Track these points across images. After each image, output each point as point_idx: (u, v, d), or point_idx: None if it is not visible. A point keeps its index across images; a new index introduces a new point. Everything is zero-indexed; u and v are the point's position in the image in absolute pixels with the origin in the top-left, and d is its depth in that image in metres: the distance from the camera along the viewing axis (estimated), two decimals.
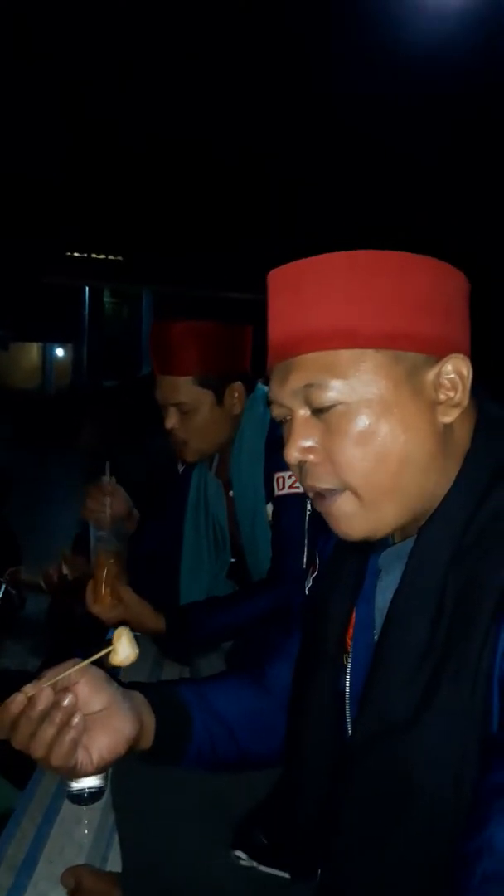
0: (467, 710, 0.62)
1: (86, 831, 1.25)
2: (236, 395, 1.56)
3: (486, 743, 0.61)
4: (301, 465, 0.73)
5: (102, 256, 14.02)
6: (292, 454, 0.72)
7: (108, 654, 0.81)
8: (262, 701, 0.92)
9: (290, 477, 1.53)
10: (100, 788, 1.30)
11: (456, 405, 0.71)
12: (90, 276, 14.58)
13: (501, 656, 0.61)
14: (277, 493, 1.53)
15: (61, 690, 0.74)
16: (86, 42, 7.65)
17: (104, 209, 11.25)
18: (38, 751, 0.71)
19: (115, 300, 18.00)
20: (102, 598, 1.40)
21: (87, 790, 1.29)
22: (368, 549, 0.80)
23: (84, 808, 1.29)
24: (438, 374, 0.70)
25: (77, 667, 0.76)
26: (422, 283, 0.70)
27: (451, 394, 0.70)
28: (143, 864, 0.95)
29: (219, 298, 12.14)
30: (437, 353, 0.70)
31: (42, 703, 0.72)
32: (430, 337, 0.70)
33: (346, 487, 0.71)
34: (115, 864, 1.15)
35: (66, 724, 0.72)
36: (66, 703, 0.73)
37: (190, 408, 1.52)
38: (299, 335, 0.71)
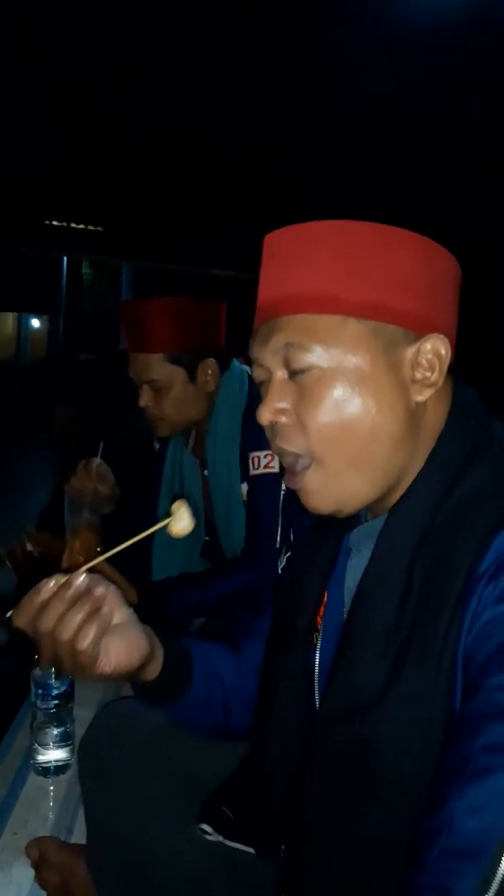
0: (432, 690, 0.63)
1: (51, 804, 1.25)
2: (209, 372, 1.56)
3: (449, 723, 0.62)
4: (273, 426, 0.74)
5: (82, 226, 13.75)
6: (265, 414, 0.73)
7: (166, 526, 0.81)
8: (243, 676, 0.93)
9: (265, 457, 1.53)
10: (66, 762, 1.30)
11: (431, 385, 0.71)
12: (68, 247, 14.32)
13: (466, 635, 0.62)
14: (253, 472, 1.53)
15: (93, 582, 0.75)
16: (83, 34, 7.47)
17: (85, 177, 11.03)
18: (64, 633, 0.71)
19: (93, 272, 17.71)
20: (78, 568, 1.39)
21: (53, 763, 1.29)
22: (341, 526, 0.80)
23: (50, 780, 1.29)
24: (417, 352, 0.71)
25: (140, 536, 0.78)
26: (409, 260, 0.71)
27: (428, 373, 0.71)
28: (107, 837, 0.96)
29: (199, 274, 12.02)
30: (418, 331, 0.71)
31: (77, 586, 0.73)
32: (411, 313, 0.71)
33: (311, 454, 0.72)
34: (79, 836, 1.16)
35: (96, 611, 0.73)
36: (98, 592, 0.74)
37: (162, 385, 1.52)
38: (285, 297, 0.72)
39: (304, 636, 0.80)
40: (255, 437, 1.55)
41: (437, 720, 0.63)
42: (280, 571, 0.95)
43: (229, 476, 1.58)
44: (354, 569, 0.77)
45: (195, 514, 1.68)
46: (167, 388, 1.52)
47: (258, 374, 0.76)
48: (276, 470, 1.51)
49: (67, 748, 1.29)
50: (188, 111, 9.21)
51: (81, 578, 0.74)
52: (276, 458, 1.49)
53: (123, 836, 0.93)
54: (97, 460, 1.60)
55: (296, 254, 0.72)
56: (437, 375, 0.71)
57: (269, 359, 0.73)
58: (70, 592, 0.72)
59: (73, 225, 13.45)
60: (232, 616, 1.05)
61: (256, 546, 1.51)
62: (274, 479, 1.51)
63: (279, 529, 1.49)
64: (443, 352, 0.71)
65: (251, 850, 0.88)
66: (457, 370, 0.77)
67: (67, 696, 1.27)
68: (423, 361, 0.71)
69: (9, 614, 0.75)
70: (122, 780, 0.96)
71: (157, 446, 1.80)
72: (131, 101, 9.10)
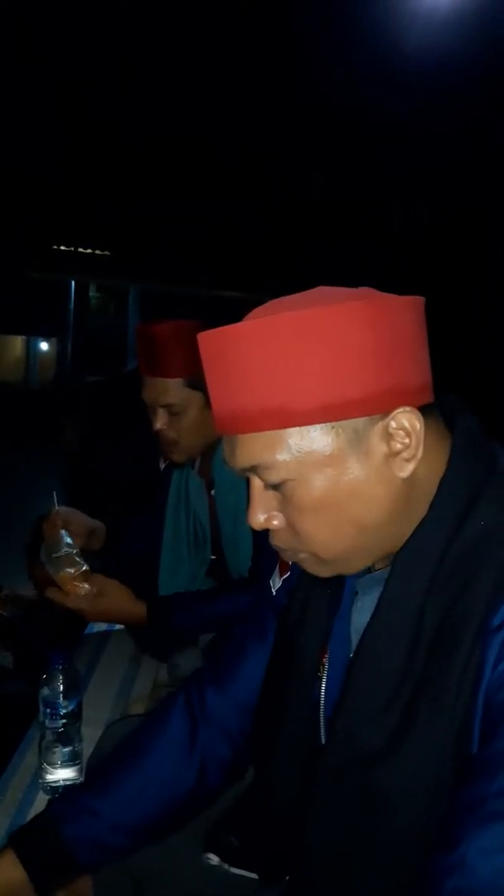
0: (443, 739, 0.63)
1: None
2: None
3: (460, 768, 0.62)
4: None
5: (89, 251, 13.93)
6: (254, 523, 0.72)
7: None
8: (226, 718, 0.92)
9: None
10: (74, 781, 1.30)
11: (410, 458, 0.68)
12: (76, 271, 14.49)
13: (487, 681, 0.61)
14: None
15: None
16: (84, 38, 7.63)
17: (92, 202, 11.20)
18: None
19: (101, 295, 17.90)
20: (75, 588, 1.41)
21: (61, 782, 1.29)
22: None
23: None
24: (386, 427, 0.67)
25: None
26: (356, 339, 0.64)
27: (406, 440, 0.67)
28: (115, 862, 0.96)
29: (206, 296, 12.14)
30: (382, 410, 0.66)
31: None
32: (367, 398, 0.65)
33: (307, 552, 0.72)
34: None
35: None
36: None
37: (179, 409, 1.52)
38: (232, 414, 0.68)
39: (310, 670, 0.80)
40: None
41: (448, 768, 0.63)
42: (273, 594, 0.96)
43: (236, 495, 1.59)
44: (361, 609, 0.77)
45: (202, 533, 1.72)
46: (183, 412, 1.53)
47: (238, 474, 0.73)
48: None
49: (75, 767, 1.29)
50: (195, 131, 9.35)
51: None
52: None
53: (130, 861, 0.93)
54: (56, 509, 1.58)
55: (232, 364, 0.67)
56: (413, 448, 0.67)
57: (241, 473, 0.71)
58: None
59: (80, 249, 13.64)
60: (234, 639, 1.06)
61: (263, 566, 1.52)
62: None
63: None
64: (416, 425, 0.67)
65: (255, 877, 0.88)
66: (456, 403, 0.75)
67: (75, 716, 1.28)
68: (397, 435, 0.67)
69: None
70: None
71: (162, 466, 1.82)
72: (137, 119, 9.24)
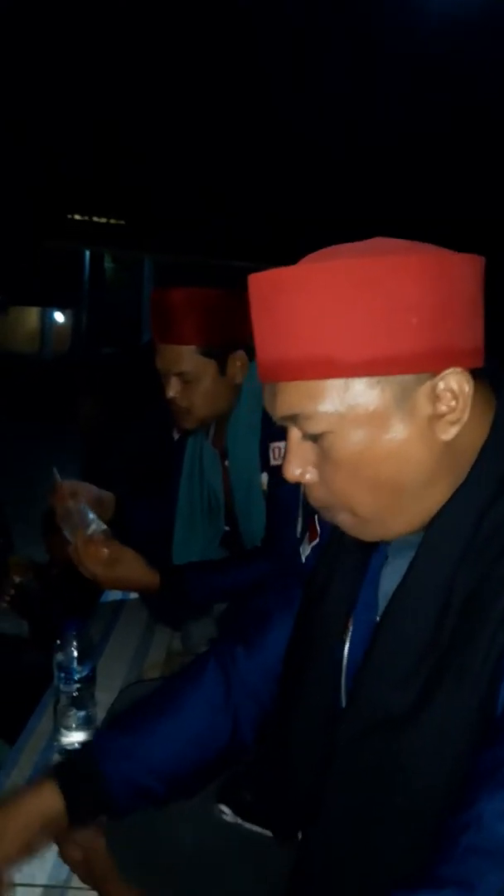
0: (469, 706, 0.62)
1: None
2: (238, 364, 1.56)
3: (484, 733, 0.62)
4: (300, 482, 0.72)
5: (104, 220, 13.82)
6: (289, 476, 0.71)
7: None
8: (254, 681, 0.93)
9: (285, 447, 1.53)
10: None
11: (455, 422, 0.66)
12: (91, 240, 14.40)
13: None
14: (273, 462, 1.54)
15: None
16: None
17: (107, 171, 11.09)
18: None
19: (116, 266, 17.80)
20: (93, 554, 1.41)
21: (76, 745, 1.32)
22: None
23: None
24: (433, 390, 0.65)
25: None
26: (412, 292, 0.62)
27: (452, 403, 0.65)
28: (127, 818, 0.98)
29: (220, 266, 12.03)
30: (431, 370, 0.64)
31: None
32: (419, 355, 0.63)
33: (342, 508, 0.70)
34: None
35: None
36: None
37: (192, 377, 1.51)
38: (277, 362, 0.67)
39: (334, 633, 0.79)
40: (276, 428, 1.55)
41: (472, 734, 0.62)
42: (304, 561, 0.95)
43: (250, 466, 1.59)
44: (391, 574, 0.75)
45: (215, 504, 1.72)
46: (196, 380, 1.51)
47: (277, 422, 0.72)
48: None
49: (90, 731, 1.31)
50: (204, 106, 9.21)
51: None
52: None
53: (142, 818, 0.95)
54: (60, 482, 1.57)
55: (281, 308, 0.65)
56: (460, 411, 0.65)
57: (281, 422, 0.70)
58: None
59: (95, 218, 13.53)
60: (253, 605, 1.05)
61: (277, 536, 1.52)
62: None
63: (300, 520, 1.51)
64: (465, 388, 0.65)
65: (268, 833, 0.89)
66: (495, 365, 0.72)
67: (89, 680, 1.30)
68: (445, 396, 0.65)
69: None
70: None
71: (176, 437, 1.81)
72: (151, 96, 9.12)
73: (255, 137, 9.82)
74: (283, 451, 1.51)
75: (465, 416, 0.66)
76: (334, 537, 0.84)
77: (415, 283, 0.62)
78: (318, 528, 0.91)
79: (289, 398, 0.67)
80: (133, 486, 2.08)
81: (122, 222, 13.79)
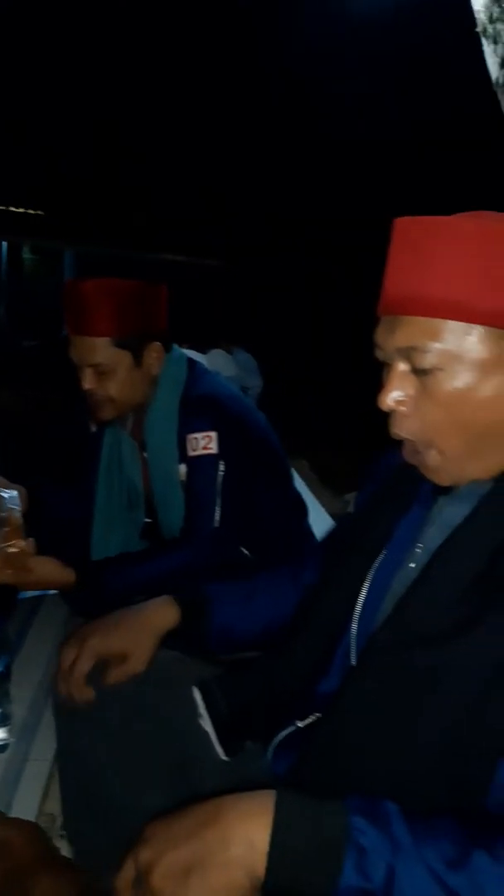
0: None
1: None
2: (154, 355, 1.56)
3: None
4: (392, 412, 0.77)
5: (21, 210, 13.38)
6: (386, 401, 0.76)
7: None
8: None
9: (203, 438, 1.55)
10: (4, 742, 1.30)
11: None
12: (8, 231, 13.90)
13: None
14: (190, 453, 1.55)
15: None
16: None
17: (24, 159, 10.73)
18: None
19: (35, 257, 17.25)
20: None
21: None
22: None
23: None
24: None
25: None
26: None
27: None
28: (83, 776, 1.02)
29: (141, 259, 11.87)
30: None
31: None
32: None
33: (429, 443, 0.76)
34: (18, 813, 1.17)
35: None
36: None
37: (107, 369, 1.50)
38: (411, 296, 0.72)
39: (367, 558, 0.87)
40: (193, 419, 1.57)
41: None
42: (353, 509, 1.03)
43: (168, 457, 1.59)
44: (444, 516, 0.81)
45: (135, 496, 1.71)
46: (112, 371, 1.50)
47: (380, 356, 0.78)
48: (214, 451, 1.54)
49: (5, 728, 1.29)
50: (130, 94, 9.05)
51: None
52: (214, 439, 1.54)
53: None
54: None
55: (430, 251, 0.71)
56: None
57: (392, 352, 0.75)
58: None
59: (12, 209, 13.06)
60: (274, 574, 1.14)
61: (195, 526, 1.53)
62: (211, 461, 1.54)
63: (217, 509, 1.53)
64: None
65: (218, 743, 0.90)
66: None
67: (4, 677, 1.27)
68: None
69: None
70: (99, 721, 0.99)
71: (93, 429, 1.80)
72: (73, 84, 8.89)
73: (179, 127, 9.72)
74: (199, 442, 1.55)
75: None
76: (387, 483, 0.91)
77: None
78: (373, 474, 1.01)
79: (411, 331, 0.73)
80: (53, 477, 2.04)
81: (41, 213, 13.38)
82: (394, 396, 0.76)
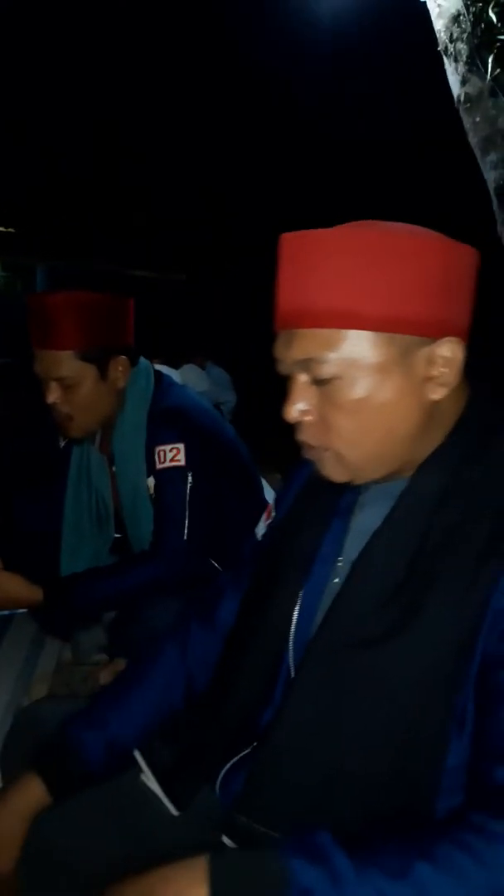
0: (449, 631, 0.69)
1: None
2: (120, 368, 1.54)
3: (464, 662, 0.69)
4: (297, 423, 0.79)
5: None
6: (291, 413, 0.78)
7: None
8: (214, 645, 0.98)
9: (170, 450, 1.54)
10: None
11: (444, 384, 0.76)
12: None
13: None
14: (158, 466, 1.54)
15: None
16: None
17: None
18: None
19: (7, 274, 17.16)
20: None
21: None
22: (338, 491, 0.86)
23: None
24: (431, 354, 0.75)
25: None
26: (427, 267, 0.72)
27: (444, 370, 0.75)
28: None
29: (116, 275, 11.85)
30: (432, 335, 0.75)
31: None
32: (427, 321, 0.74)
33: (332, 450, 0.78)
34: None
35: None
36: None
37: (72, 382, 1.48)
38: (301, 310, 0.75)
39: (290, 584, 0.86)
40: (161, 431, 1.56)
41: (450, 659, 0.69)
42: (259, 538, 1.01)
43: (136, 471, 1.58)
44: (368, 518, 0.82)
45: (104, 511, 1.69)
46: (77, 385, 1.48)
47: (281, 370, 0.80)
48: (182, 464, 1.53)
49: None
50: (104, 99, 9.03)
51: None
52: (182, 451, 1.54)
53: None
54: None
55: (313, 264, 0.74)
56: (451, 376, 0.76)
57: (292, 365, 0.77)
58: None
59: None
60: (216, 585, 1.08)
61: (164, 539, 1.52)
62: (180, 473, 1.53)
63: (186, 522, 1.52)
64: (459, 355, 0.75)
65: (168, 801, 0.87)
66: (475, 366, 0.81)
67: None
68: (439, 360, 0.75)
69: None
70: None
71: (62, 444, 1.78)
72: (42, 99, 8.87)
73: (178, 127, 9.70)
74: (167, 454, 1.55)
75: (454, 382, 0.76)
76: (295, 504, 0.93)
77: (433, 261, 0.73)
78: (272, 509, 1.01)
79: (306, 343, 0.75)
80: (22, 492, 2.02)
81: (12, 230, 13.32)
82: (298, 408, 0.78)
